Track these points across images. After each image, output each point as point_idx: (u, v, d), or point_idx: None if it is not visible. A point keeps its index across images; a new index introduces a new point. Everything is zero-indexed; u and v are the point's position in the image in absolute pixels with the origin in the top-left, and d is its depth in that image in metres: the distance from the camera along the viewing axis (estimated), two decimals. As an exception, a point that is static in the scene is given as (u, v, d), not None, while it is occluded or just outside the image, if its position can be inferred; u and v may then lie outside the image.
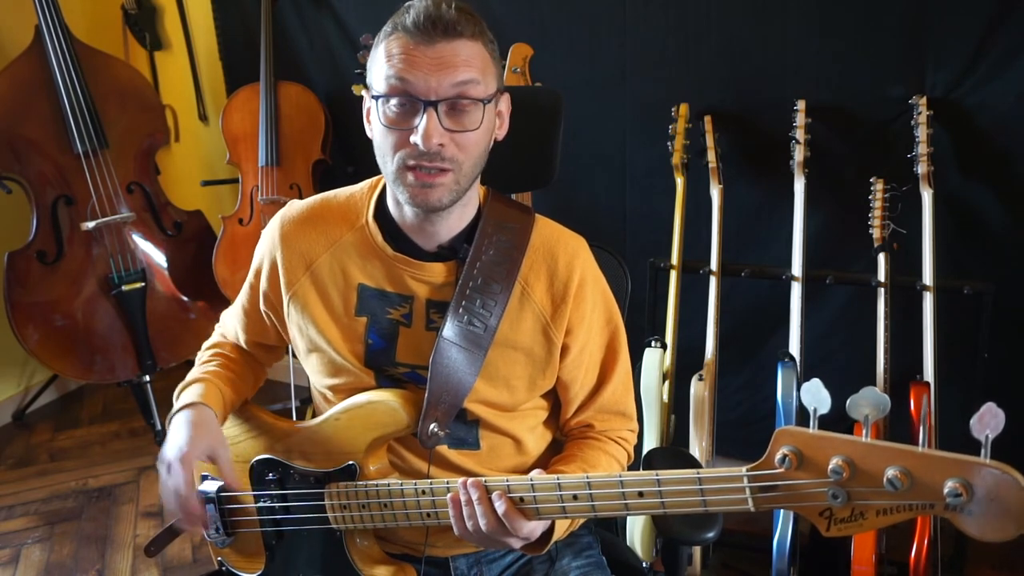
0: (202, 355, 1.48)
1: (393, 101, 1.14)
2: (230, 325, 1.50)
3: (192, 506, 1.26)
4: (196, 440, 1.26)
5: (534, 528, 1.17)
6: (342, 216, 1.32)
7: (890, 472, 0.83)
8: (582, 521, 1.41)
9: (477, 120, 1.16)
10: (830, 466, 0.87)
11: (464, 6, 1.15)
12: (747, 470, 0.95)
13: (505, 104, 1.26)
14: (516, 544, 1.18)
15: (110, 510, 2.82)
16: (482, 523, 1.14)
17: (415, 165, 1.15)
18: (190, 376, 1.40)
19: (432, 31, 1.11)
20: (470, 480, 1.15)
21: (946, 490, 0.80)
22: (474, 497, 1.14)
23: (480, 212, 1.30)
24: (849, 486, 0.87)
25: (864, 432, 0.84)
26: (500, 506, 1.13)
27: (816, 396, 0.88)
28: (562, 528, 1.25)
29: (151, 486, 2.94)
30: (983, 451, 0.78)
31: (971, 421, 0.77)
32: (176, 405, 1.33)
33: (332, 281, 1.30)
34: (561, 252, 1.30)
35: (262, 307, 1.39)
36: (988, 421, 0.76)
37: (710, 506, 1.00)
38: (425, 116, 1.12)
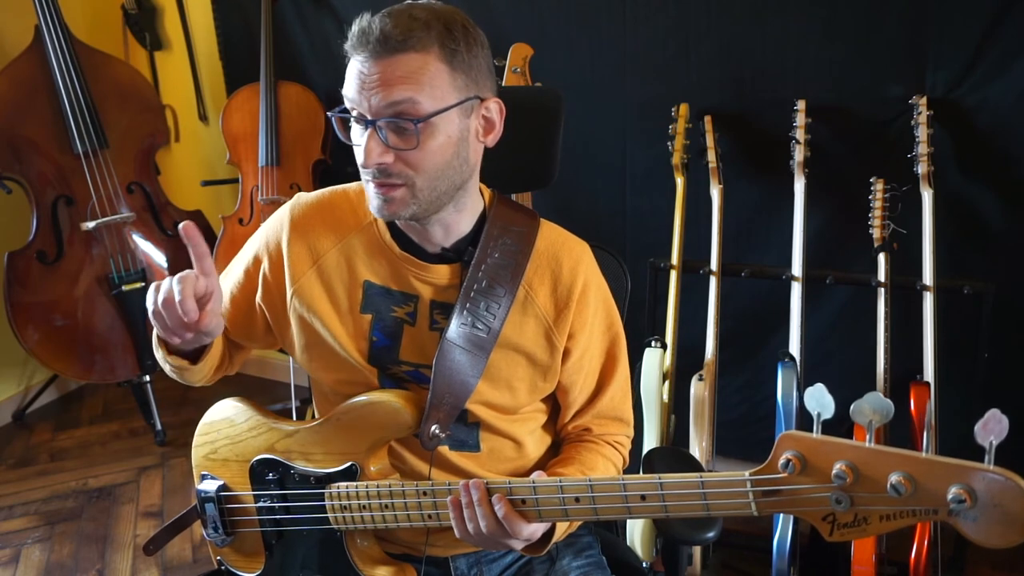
0: None
1: (348, 117, 1.15)
2: None
3: (189, 308, 1.14)
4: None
5: (535, 530, 1.17)
6: (351, 212, 1.31)
7: (894, 478, 0.83)
8: (581, 521, 1.42)
9: (414, 140, 1.11)
10: (834, 471, 0.87)
11: (424, 10, 1.11)
12: (750, 474, 0.95)
13: (496, 109, 1.20)
14: (517, 546, 1.18)
15: (110, 510, 2.82)
16: (482, 525, 1.14)
17: (370, 179, 1.16)
18: None
19: (371, 46, 1.08)
20: (471, 481, 1.15)
21: (950, 496, 0.80)
22: (475, 498, 1.14)
23: (485, 215, 1.30)
24: (853, 491, 0.87)
25: (868, 437, 0.84)
26: (500, 509, 1.13)
27: (820, 401, 0.87)
28: (562, 529, 1.26)
29: (151, 486, 2.94)
30: (987, 457, 0.78)
31: (975, 427, 0.77)
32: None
33: (338, 276, 1.29)
34: (565, 257, 1.30)
35: (258, 299, 1.34)
36: (992, 427, 0.76)
37: (712, 510, 1.00)
38: (366, 134, 1.11)
